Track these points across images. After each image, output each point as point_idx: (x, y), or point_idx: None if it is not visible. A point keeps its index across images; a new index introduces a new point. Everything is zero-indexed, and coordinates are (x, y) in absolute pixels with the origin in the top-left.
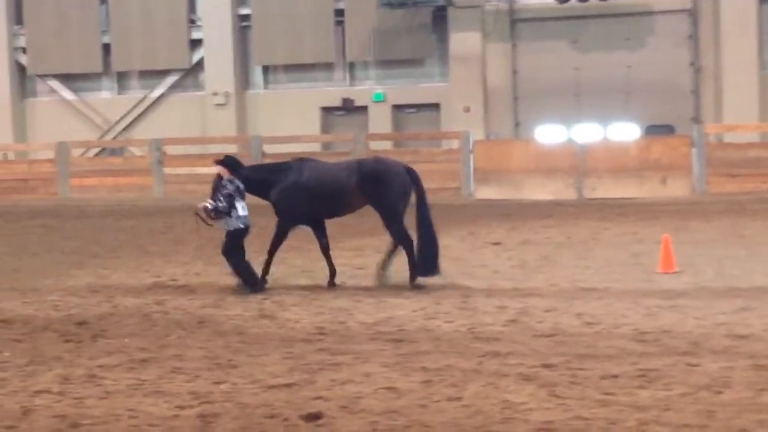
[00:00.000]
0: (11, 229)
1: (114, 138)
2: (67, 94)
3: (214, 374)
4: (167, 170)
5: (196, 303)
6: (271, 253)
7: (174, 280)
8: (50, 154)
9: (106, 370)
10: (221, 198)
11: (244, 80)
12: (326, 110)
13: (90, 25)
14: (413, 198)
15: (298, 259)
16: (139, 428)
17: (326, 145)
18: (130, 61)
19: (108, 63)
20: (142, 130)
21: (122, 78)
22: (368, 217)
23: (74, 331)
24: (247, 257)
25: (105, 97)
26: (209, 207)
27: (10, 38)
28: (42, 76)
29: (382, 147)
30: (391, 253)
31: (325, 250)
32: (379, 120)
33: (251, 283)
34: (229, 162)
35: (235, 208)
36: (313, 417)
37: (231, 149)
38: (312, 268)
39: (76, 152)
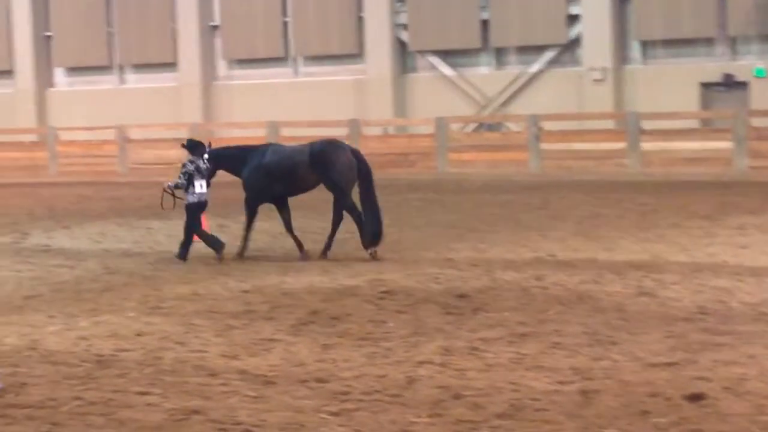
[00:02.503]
0: (392, 201)
1: (491, 113)
2: (446, 70)
3: (594, 350)
4: (544, 146)
5: (575, 279)
6: (247, 230)
7: (552, 255)
8: (429, 129)
9: (487, 343)
10: (181, 176)
11: (621, 55)
12: (706, 86)
13: (469, 1)
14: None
15: (681, 237)
16: (520, 401)
17: (705, 122)
18: (508, 36)
19: (486, 39)
20: (518, 106)
21: (500, 54)
22: (753, 194)
23: (455, 304)
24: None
25: (483, 72)
26: (171, 184)
27: (392, 15)
28: (422, 52)
29: (765, 124)
30: (334, 234)
31: (289, 225)
32: (762, 96)
33: (214, 244)
34: (189, 145)
35: (193, 185)
36: (696, 397)
37: (607, 125)
38: (692, 247)
39: (454, 127)
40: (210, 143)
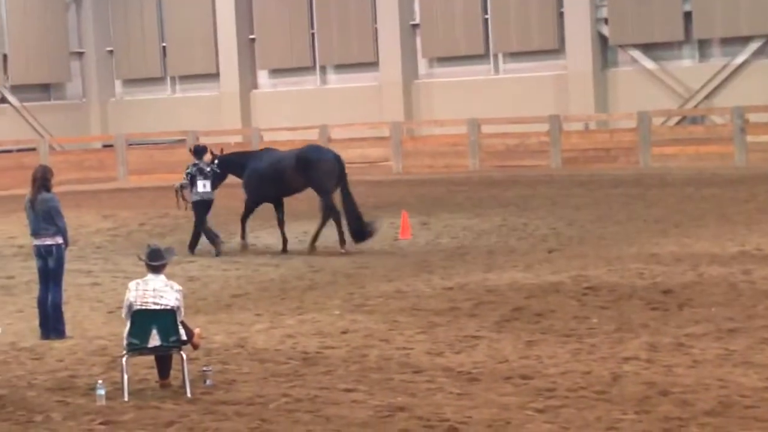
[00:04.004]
0: (594, 197)
1: (695, 106)
2: (648, 63)
3: None
4: (750, 138)
5: None
6: (243, 222)
7: (759, 249)
8: (631, 124)
9: (694, 338)
10: (184, 176)
11: None
12: None
13: None
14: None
15: None
16: (729, 398)
17: None
18: (712, 28)
19: (689, 31)
20: (723, 98)
21: (703, 45)
22: None
23: (660, 299)
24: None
25: (685, 65)
26: (178, 185)
27: (592, 10)
28: (623, 46)
29: None
30: (320, 228)
31: (281, 223)
32: None
33: (213, 240)
34: (194, 150)
35: (195, 185)
36: None
37: None
38: None
39: (657, 121)
40: (222, 150)
